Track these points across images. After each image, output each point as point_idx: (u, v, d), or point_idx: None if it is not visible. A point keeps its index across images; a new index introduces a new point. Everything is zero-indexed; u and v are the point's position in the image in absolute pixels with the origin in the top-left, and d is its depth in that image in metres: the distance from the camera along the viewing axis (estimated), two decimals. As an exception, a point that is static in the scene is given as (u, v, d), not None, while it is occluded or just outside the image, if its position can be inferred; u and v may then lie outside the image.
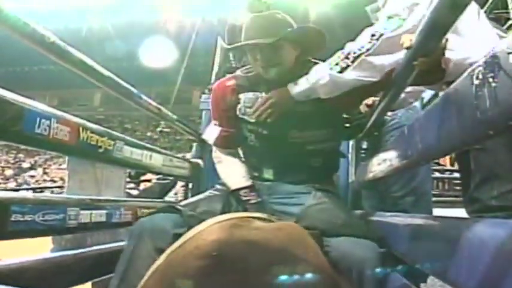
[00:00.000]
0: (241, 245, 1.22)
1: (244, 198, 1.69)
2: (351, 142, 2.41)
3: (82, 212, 1.55)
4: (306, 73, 1.67)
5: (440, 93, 1.16)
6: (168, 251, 1.32)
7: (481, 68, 0.74)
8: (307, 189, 1.74)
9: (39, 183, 20.55)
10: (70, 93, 25.84)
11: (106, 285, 1.68)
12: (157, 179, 4.16)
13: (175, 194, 4.21)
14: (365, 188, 2.27)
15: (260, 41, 1.64)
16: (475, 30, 1.51)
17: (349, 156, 2.49)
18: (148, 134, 23.84)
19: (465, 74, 0.82)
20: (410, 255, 1.27)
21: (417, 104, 2.13)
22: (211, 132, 1.88)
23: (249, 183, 1.75)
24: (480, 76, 0.74)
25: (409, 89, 1.82)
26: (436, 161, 5.93)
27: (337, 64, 1.58)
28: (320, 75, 1.62)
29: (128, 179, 3.94)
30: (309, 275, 1.17)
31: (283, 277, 1.15)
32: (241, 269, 1.16)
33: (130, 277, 1.39)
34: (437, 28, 1.00)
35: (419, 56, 1.17)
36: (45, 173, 22.90)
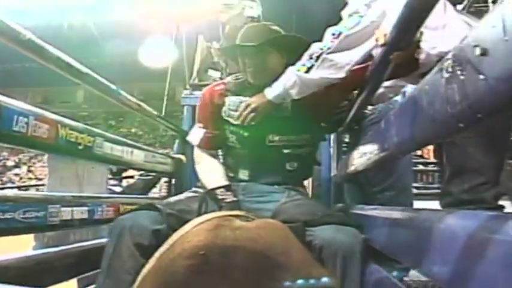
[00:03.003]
0: (226, 244, 1.25)
1: (220, 197, 1.72)
2: (332, 136, 2.42)
3: (63, 209, 1.54)
4: None
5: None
6: (156, 254, 1.35)
7: (450, 61, 0.75)
8: (281, 190, 1.81)
9: (24, 182, 20.28)
10: (53, 90, 25.37)
11: (91, 282, 1.69)
12: (140, 175, 4.14)
13: (160, 190, 4.20)
14: (347, 181, 2.29)
15: (245, 43, 1.74)
16: (442, 21, 1.55)
17: (331, 149, 2.52)
18: (133, 130, 23.66)
19: (436, 68, 0.83)
20: (389, 247, 1.29)
21: (398, 98, 2.15)
22: (195, 134, 1.96)
23: (225, 183, 1.80)
24: (450, 69, 0.75)
25: (388, 83, 1.84)
26: (420, 153, 5.98)
27: (303, 65, 1.64)
28: (288, 77, 1.68)
29: (110, 176, 3.91)
30: (292, 272, 1.19)
31: (268, 274, 1.17)
32: (227, 266, 1.19)
33: (114, 272, 1.43)
34: (412, 22, 1.02)
35: (394, 50, 1.18)
36: (29, 171, 22.55)
